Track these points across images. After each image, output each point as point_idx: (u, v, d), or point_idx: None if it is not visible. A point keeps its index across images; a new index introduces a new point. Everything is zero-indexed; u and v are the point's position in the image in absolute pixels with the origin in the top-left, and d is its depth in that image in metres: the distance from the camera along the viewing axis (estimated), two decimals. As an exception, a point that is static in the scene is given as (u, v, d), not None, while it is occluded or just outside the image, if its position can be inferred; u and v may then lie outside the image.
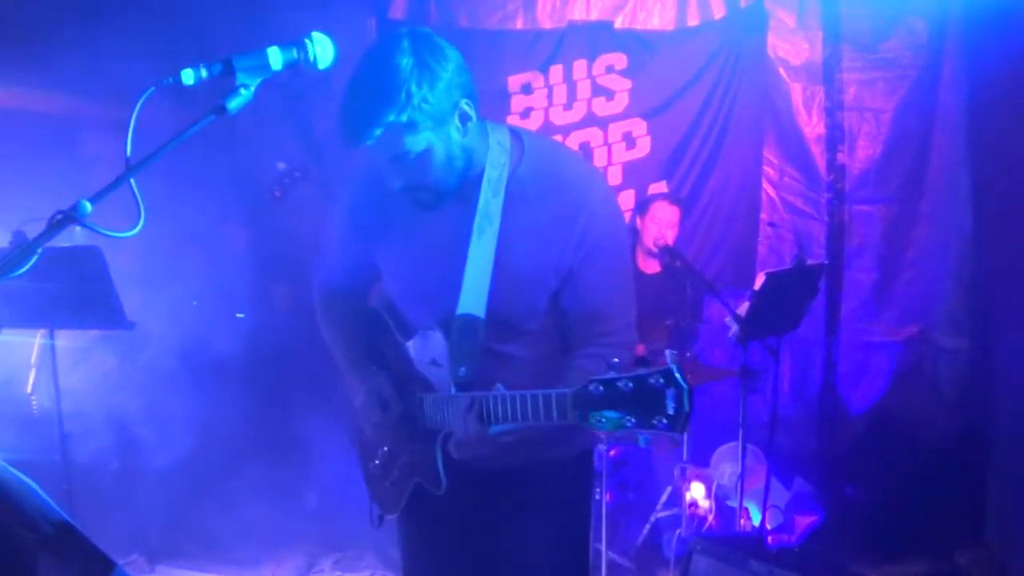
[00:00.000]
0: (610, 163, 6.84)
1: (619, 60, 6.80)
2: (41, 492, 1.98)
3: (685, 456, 5.71)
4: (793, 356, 6.67)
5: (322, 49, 2.19)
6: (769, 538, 5.60)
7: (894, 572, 5.57)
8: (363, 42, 2.42)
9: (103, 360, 5.76)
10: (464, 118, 2.45)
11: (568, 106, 6.89)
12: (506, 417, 2.40)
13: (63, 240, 1.89)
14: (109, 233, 1.91)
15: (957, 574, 5.45)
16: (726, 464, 6.08)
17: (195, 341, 5.73)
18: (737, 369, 5.46)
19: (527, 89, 6.90)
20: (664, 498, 5.82)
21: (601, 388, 2.15)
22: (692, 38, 6.75)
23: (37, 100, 6.19)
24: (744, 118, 6.74)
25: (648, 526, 5.76)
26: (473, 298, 2.59)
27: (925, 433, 6.23)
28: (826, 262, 6.45)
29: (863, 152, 6.52)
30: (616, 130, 6.85)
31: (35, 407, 5.63)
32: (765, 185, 6.77)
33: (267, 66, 2.12)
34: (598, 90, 6.85)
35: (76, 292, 4.57)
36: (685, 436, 5.66)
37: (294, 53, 2.16)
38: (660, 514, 5.78)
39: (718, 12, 6.70)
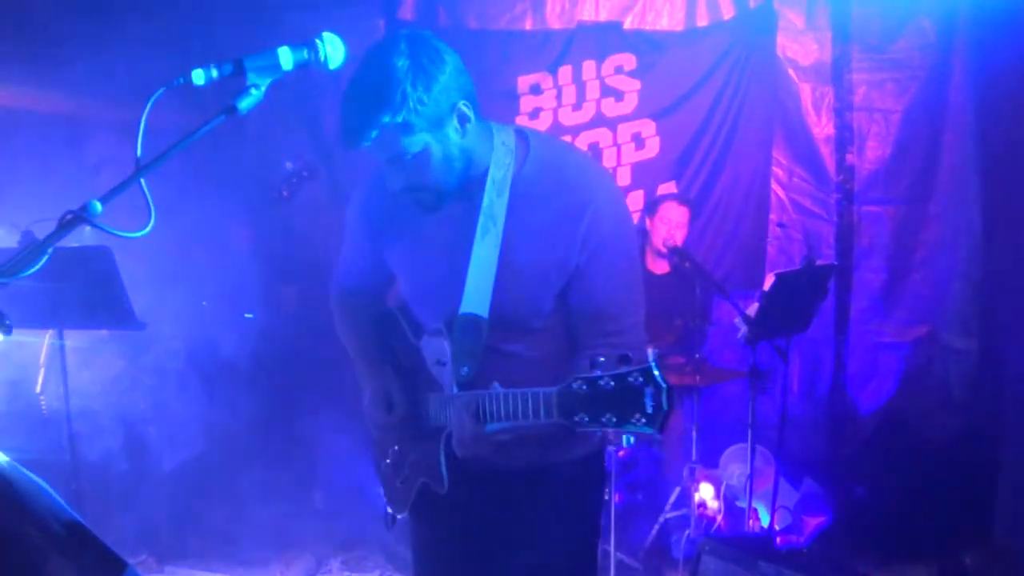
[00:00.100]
0: (619, 164, 6.83)
1: (628, 61, 6.79)
2: (52, 492, 1.97)
3: (694, 457, 5.70)
4: (802, 357, 6.65)
5: (333, 49, 2.20)
6: (778, 539, 5.59)
7: (903, 573, 5.57)
8: (372, 44, 2.41)
9: (112, 360, 5.77)
10: (463, 119, 2.46)
11: (577, 107, 6.89)
12: (500, 415, 2.41)
13: (72, 240, 1.89)
14: (120, 233, 1.91)
15: (965, 575, 5.44)
16: (735, 465, 6.08)
17: (204, 341, 5.74)
18: (746, 370, 5.47)
19: (536, 90, 6.90)
20: (673, 499, 5.81)
21: (584, 386, 2.16)
22: (701, 39, 6.74)
23: (47, 101, 6.21)
24: (753, 119, 6.73)
25: (657, 527, 5.76)
26: (476, 298, 2.59)
27: (934, 434, 6.22)
28: (835, 263, 6.43)
29: (872, 153, 6.51)
30: (625, 131, 6.85)
31: (44, 407, 5.64)
32: (774, 186, 6.76)
33: (278, 66, 2.12)
34: (607, 91, 6.84)
35: (86, 292, 4.58)
36: (695, 435, 5.67)
37: (305, 53, 2.17)
38: (669, 515, 5.78)
39: (727, 13, 6.69)
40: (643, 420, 2.07)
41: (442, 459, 2.69)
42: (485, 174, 2.59)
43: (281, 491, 5.86)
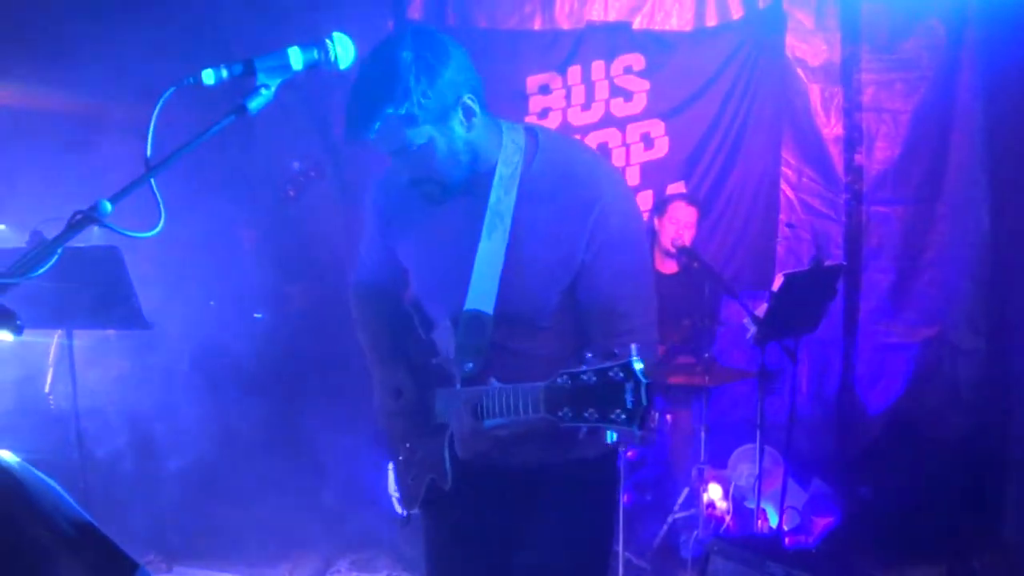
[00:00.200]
0: (628, 164, 6.82)
1: (637, 61, 6.78)
2: (62, 491, 1.98)
3: (703, 457, 5.69)
4: (811, 357, 6.65)
5: (343, 49, 2.21)
6: (786, 539, 5.59)
7: (911, 574, 5.55)
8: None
9: (120, 360, 5.78)
10: (468, 113, 2.47)
11: (586, 107, 6.88)
12: (496, 411, 2.43)
13: (80, 240, 1.89)
14: (129, 233, 1.91)
15: (974, 575, 5.43)
16: (744, 465, 6.07)
17: (212, 341, 5.75)
18: (755, 370, 5.46)
19: (545, 90, 6.90)
20: (681, 499, 5.81)
21: (568, 381, 2.17)
22: (710, 39, 6.73)
23: (56, 101, 6.23)
24: (762, 119, 6.71)
25: (665, 527, 5.75)
26: (481, 294, 2.60)
27: (943, 434, 6.20)
28: (844, 263, 6.42)
29: (881, 153, 6.49)
30: (634, 131, 6.84)
31: (53, 406, 5.65)
32: (783, 186, 6.74)
33: (288, 66, 2.13)
34: (616, 91, 6.83)
35: (95, 292, 4.58)
36: (703, 435, 5.66)
37: (315, 53, 2.17)
38: (677, 515, 5.77)
39: (736, 13, 6.68)
40: (623, 416, 2.07)
41: (446, 455, 2.70)
42: (493, 170, 2.60)
43: (289, 491, 5.85)
